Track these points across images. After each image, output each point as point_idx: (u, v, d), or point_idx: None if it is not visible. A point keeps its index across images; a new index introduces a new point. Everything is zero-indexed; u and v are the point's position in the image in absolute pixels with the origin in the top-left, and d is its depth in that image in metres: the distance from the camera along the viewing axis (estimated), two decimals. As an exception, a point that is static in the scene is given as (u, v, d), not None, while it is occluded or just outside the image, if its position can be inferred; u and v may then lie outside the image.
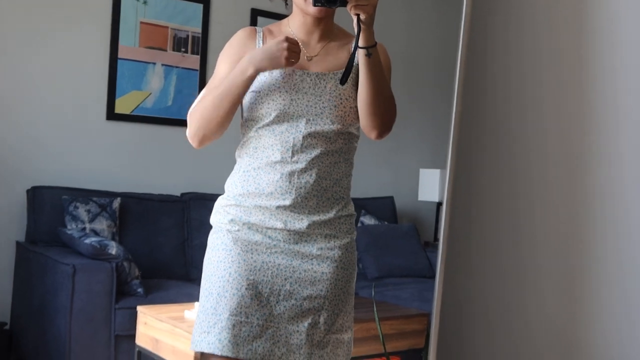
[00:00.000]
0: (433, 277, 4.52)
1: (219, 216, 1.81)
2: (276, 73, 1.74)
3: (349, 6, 1.61)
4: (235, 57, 1.79)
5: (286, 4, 1.86)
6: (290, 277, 1.73)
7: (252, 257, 1.73)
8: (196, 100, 1.81)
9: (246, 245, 1.74)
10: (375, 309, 2.36)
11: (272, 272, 1.73)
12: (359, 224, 4.65)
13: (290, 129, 1.72)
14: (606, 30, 1.05)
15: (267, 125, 1.74)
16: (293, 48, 1.68)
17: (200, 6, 4.40)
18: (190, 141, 1.80)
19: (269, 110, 1.73)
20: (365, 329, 3.09)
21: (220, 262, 1.75)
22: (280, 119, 1.73)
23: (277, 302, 1.72)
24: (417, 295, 3.90)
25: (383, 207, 4.91)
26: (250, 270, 1.72)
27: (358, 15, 1.62)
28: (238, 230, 1.75)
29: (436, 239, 5.22)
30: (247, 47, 1.80)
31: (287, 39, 1.68)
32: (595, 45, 1.01)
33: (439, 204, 5.19)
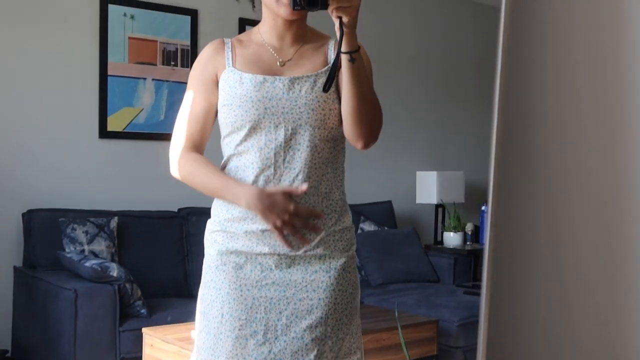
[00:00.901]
0: (437, 281, 4.50)
1: (208, 244, 1.74)
2: (247, 83, 1.65)
3: (330, 9, 1.51)
4: (204, 78, 1.72)
5: (253, 7, 1.78)
6: (285, 309, 1.65)
7: (242, 295, 1.65)
8: (175, 128, 1.74)
9: (235, 282, 1.66)
10: (399, 324, 2.31)
11: (264, 308, 1.65)
12: (359, 231, 4.61)
13: (269, 142, 1.63)
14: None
15: (245, 140, 1.65)
16: (293, 224, 1.59)
17: (187, 18, 4.35)
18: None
19: (243, 122, 1.64)
20: (375, 340, 3.05)
21: (213, 302, 1.68)
22: (256, 130, 1.64)
23: (275, 339, 1.64)
24: (423, 302, 3.86)
25: (382, 212, 4.87)
26: (242, 310, 1.64)
27: (340, 18, 1.52)
28: (225, 265, 1.67)
29: (437, 241, 5.20)
30: (217, 61, 1.71)
31: (297, 211, 1.58)
32: (635, 42, 0.97)
33: (437, 206, 5.17)
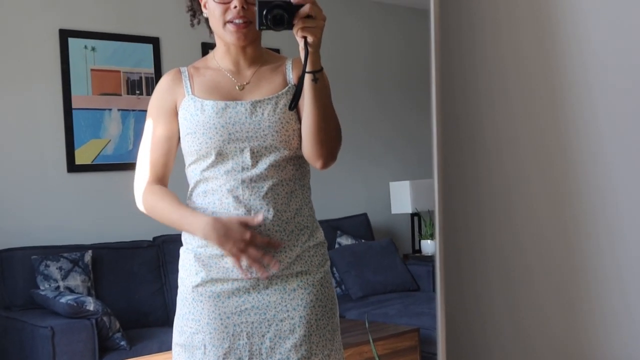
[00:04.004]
0: (417, 290, 4.51)
1: (182, 274, 1.72)
2: (209, 110, 1.65)
3: (295, 29, 1.53)
4: (164, 109, 1.71)
5: (210, 32, 1.75)
6: (267, 332, 1.64)
7: (222, 324, 1.64)
8: (138, 160, 1.74)
9: (214, 312, 1.65)
10: (370, 336, 2.31)
11: (247, 333, 1.64)
12: (336, 245, 4.62)
13: (236, 166, 1.64)
14: (570, 22, 1.04)
15: (212, 166, 1.65)
16: (252, 255, 1.59)
17: (150, 46, 4.35)
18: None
19: (209, 149, 1.64)
20: (358, 353, 3.04)
21: (194, 334, 1.67)
22: (223, 156, 1.64)
23: None
24: (404, 311, 3.87)
25: (358, 224, 4.89)
26: (224, 338, 1.64)
27: (305, 38, 1.54)
28: (202, 295, 1.66)
29: (414, 251, 5.21)
30: (175, 91, 1.71)
31: (253, 240, 1.58)
32: (563, 40, 1.00)
33: (413, 215, 5.19)
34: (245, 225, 1.60)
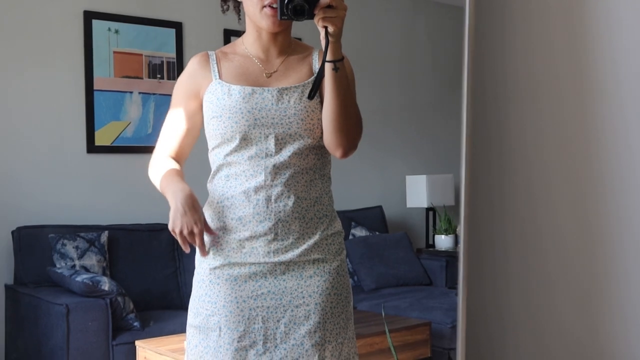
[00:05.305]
0: (429, 284, 4.51)
1: (199, 257, 1.73)
2: (236, 95, 1.67)
3: (316, 19, 1.54)
4: (188, 92, 1.73)
5: (239, 18, 1.77)
6: (282, 317, 1.66)
7: (238, 307, 1.65)
8: (158, 140, 1.77)
9: (230, 295, 1.66)
10: (386, 327, 2.32)
11: (262, 317, 1.65)
12: (351, 237, 4.62)
13: (260, 152, 1.65)
14: (603, 24, 1.03)
15: (235, 150, 1.67)
16: (185, 238, 1.61)
17: (172, 31, 4.37)
18: None
19: (233, 133, 1.65)
20: (368, 344, 3.05)
21: (210, 316, 1.68)
22: (247, 141, 1.65)
23: (275, 347, 1.65)
24: (416, 305, 3.87)
25: (373, 217, 4.89)
26: (240, 322, 1.65)
27: (326, 28, 1.55)
28: (219, 278, 1.68)
29: (428, 245, 5.21)
30: (202, 75, 1.72)
31: (199, 233, 1.61)
32: (595, 41, 0.99)
33: (428, 209, 5.19)
34: (205, 225, 1.64)
